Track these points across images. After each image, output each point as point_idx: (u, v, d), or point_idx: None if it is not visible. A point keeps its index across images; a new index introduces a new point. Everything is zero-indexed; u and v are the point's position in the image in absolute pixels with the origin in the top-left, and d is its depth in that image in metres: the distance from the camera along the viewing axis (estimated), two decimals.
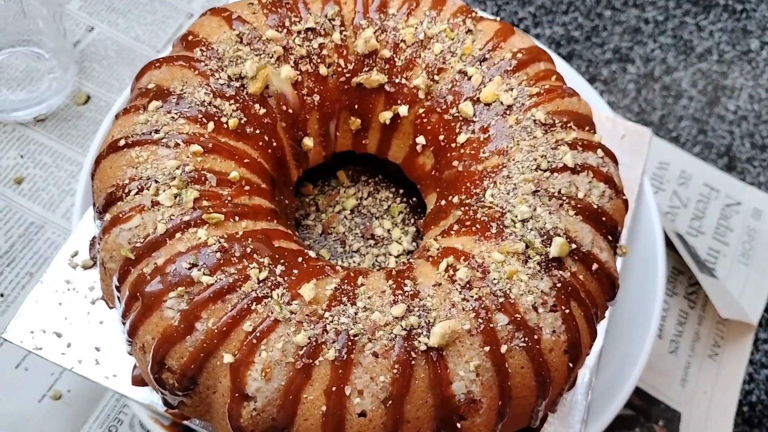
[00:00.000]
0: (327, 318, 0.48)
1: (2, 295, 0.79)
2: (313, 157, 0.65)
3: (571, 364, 0.51)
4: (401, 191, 0.71)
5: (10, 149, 0.87)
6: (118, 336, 0.59)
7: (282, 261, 0.50)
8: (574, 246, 0.53)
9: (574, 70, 0.90)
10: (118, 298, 0.52)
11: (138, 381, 0.58)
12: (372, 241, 0.67)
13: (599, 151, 0.57)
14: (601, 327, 0.66)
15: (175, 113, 0.54)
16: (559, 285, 0.51)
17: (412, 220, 0.69)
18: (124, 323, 0.51)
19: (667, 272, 0.90)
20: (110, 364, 0.59)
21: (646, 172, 0.77)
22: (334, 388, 0.46)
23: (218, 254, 0.49)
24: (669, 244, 0.90)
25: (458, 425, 0.48)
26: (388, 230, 0.68)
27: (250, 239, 0.50)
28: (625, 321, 0.69)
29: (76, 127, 0.90)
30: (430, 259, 0.54)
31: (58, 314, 0.60)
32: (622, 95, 1.09)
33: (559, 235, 0.52)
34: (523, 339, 0.49)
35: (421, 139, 0.63)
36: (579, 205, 0.54)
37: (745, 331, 0.89)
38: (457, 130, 0.60)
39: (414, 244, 0.67)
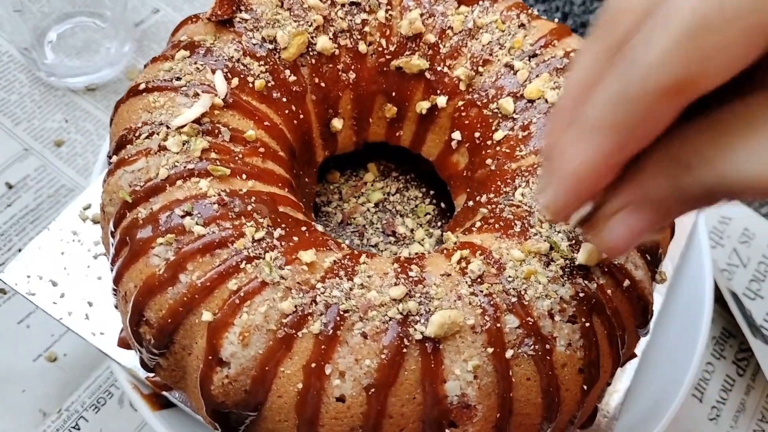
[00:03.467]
0: (319, 289, 0.44)
1: (20, 250, 0.77)
2: (343, 142, 0.62)
3: (585, 387, 0.45)
4: (432, 192, 0.67)
5: (57, 113, 0.88)
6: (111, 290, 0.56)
7: (283, 226, 0.47)
8: (604, 255, 0.47)
9: None
10: (112, 243, 0.49)
11: (123, 343, 0.55)
12: (392, 238, 0.63)
13: None
14: (631, 366, 0.60)
15: (201, 65, 0.52)
16: (582, 295, 0.46)
17: (439, 224, 0.65)
18: (112, 270, 0.48)
19: (715, 332, 0.83)
20: (100, 322, 0.56)
21: (705, 220, 0.71)
22: (313, 365, 0.42)
23: (216, 206, 0.46)
24: (722, 302, 0.83)
25: None
26: (412, 230, 0.64)
27: (253, 198, 0.47)
28: (660, 365, 0.62)
29: None
30: (445, 251, 0.50)
31: (58, 263, 0.58)
32: None
33: (589, 241, 0.47)
34: (532, 347, 0.44)
35: (457, 135, 0.59)
36: None
37: None
38: (494, 127, 0.56)
39: (436, 248, 0.63)
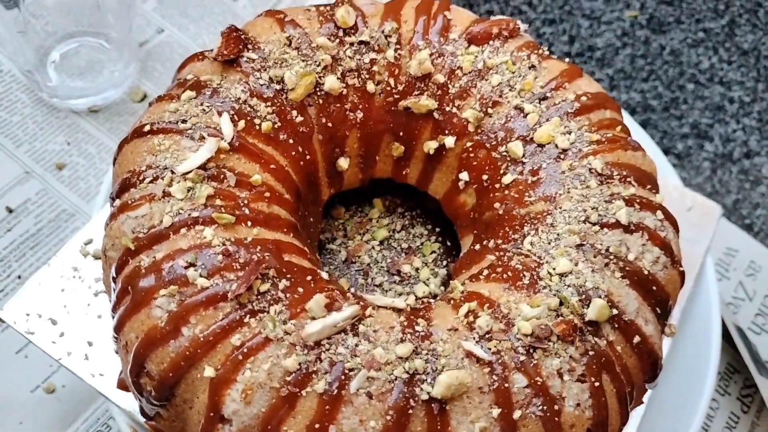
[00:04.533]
0: (324, 345, 0.43)
1: (20, 277, 0.77)
2: (349, 179, 0.61)
3: None
4: (437, 230, 0.66)
5: (59, 135, 0.87)
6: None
7: (288, 276, 0.46)
8: (615, 312, 0.46)
9: (649, 135, 0.84)
10: (113, 289, 0.48)
11: (123, 385, 0.54)
12: (397, 278, 0.62)
13: (659, 213, 0.52)
14: (637, 413, 0.59)
15: (207, 106, 0.52)
16: (591, 353, 0.45)
17: (444, 263, 0.64)
18: (113, 317, 0.47)
19: (720, 367, 0.82)
20: (99, 362, 0.55)
21: (710, 251, 0.71)
22: (317, 425, 0.41)
23: (220, 257, 0.45)
24: (727, 337, 0.82)
25: None
26: (417, 269, 0.63)
27: (258, 247, 0.46)
28: (665, 412, 0.61)
29: (127, 123, 0.89)
30: (452, 302, 0.49)
31: (58, 301, 0.58)
32: (695, 172, 1.02)
33: (599, 297, 0.46)
34: (541, 407, 0.43)
35: (464, 175, 0.58)
36: (627, 268, 0.48)
37: None
38: (502, 171, 0.55)
39: (442, 288, 0.62)
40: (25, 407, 0.70)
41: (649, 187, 0.53)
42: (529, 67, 0.57)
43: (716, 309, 0.67)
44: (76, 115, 0.89)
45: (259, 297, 0.44)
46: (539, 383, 0.43)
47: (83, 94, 0.88)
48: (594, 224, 0.49)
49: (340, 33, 0.57)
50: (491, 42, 0.58)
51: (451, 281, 0.55)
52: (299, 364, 0.42)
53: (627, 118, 0.82)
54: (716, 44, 1.15)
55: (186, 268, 0.44)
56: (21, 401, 0.70)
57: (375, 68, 0.58)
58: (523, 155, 0.55)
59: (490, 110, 0.57)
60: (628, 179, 0.52)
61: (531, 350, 0.44)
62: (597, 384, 0.44)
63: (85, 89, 0.88)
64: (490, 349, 0.44)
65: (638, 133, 0.80)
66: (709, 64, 1.13)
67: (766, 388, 0.78)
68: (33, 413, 0.70)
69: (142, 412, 0.49)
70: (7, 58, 0.91)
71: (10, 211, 0.81)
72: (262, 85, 0.54)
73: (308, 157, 0.56)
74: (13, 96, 0.89)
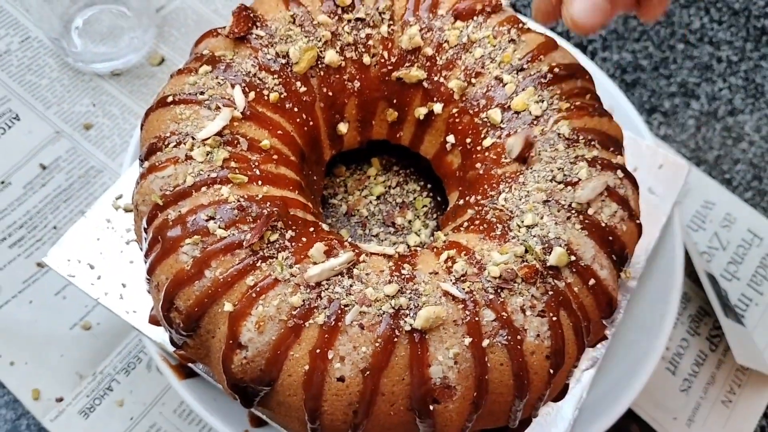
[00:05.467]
0: (323, 285, 0.51)
1: (55, 228, 0.85)
2: (348, 141, 0.69)
3: (551, 371, 0.53)
4: (429, 186, 0.73)
5: (85, 97, 0.94)
6: (144, 276, 0.64)
7: (294, 228, 0.54)
8: (573, 258, 0.54)
9: (631, 97, 0.90)
10: (145, 238, 0.57)
11: (154, 320, 0.63)
12: (392, 229, 0.70)
13: (619, 172, 0.59)
14: (603, 347, 0.67)
15: (221, 79, 0.59)
16: (551, 292, 0.53)
17: (434, 215, 0.72)
18: (145, 262, 0.56)
19: (691, 310, 0.90)
20: (133, 301, 0.64)
21: (686, 205, 0.77)
22: (318, 351, 0.49)
23: (235, 211, 0.53)
24: (699, 283, 0.89)
25: (431, 407, 0.50)
26: (410, 221, 0.71)
27: (268, 203, 0.54)
28: (629, 345, 0.69)
29: (147, 86, 0.96)
30: (435, 249, 0.57)
31: (95, 248, 0.66)
32: (680, 129, 1.08)
33: (560, 246, 0.54)
34: (506, 337, 0.51)
35: (451, 138, 0.65)
36: (587, 221, 0.56)
37: (764, 383, 0.87)
38: (483, 135, 0.62)
39: (431, 238, 0.70)
40: (65, 342, 0.79)
41: (612, 149, 0.60)
42: (509, 41, 0.63)
43: (680, 257, 0.74)
44: (100, 78, 0.96)
45: (269, 245, 0.52)
46: (505, 317, 0.51)
47: (105, 59, 0.95)
48: (559, 183, 0.57)
49: (339, 11, 0.64)
50: (475, 18, 0.64)
51: (435, 234, 0.62)
52: (303, 300, 0.50)
53: (609, 84, 0.87)
54: (708, 4, 1.20)
55: (207, 220, 0.52)
56: (61, 337, 0.79)
57: (370, 42, 0.64)
58: (501, 121, 0.61)
59: (473, 80, 0.64)
60: (592, 143, 0.59)
61: (499, 290, 0.52)
62: (555, 318, 0.52)
63: (107, 54, 0.95)
64: (464, 289, 0.52)
65: (619, 97, 0.86)
66: (699, 24, 1.18)
67: (730, 328, 0.86)
68: (73, 347, 0.79)
69: (172, 342, 0.58)
70: (35, 26, 0.97)
71: (44, 167, 0.89)
72: (269, 59, 0.61)
73: (311, 123, 0.63)
74: (42, 61, 0.96)
